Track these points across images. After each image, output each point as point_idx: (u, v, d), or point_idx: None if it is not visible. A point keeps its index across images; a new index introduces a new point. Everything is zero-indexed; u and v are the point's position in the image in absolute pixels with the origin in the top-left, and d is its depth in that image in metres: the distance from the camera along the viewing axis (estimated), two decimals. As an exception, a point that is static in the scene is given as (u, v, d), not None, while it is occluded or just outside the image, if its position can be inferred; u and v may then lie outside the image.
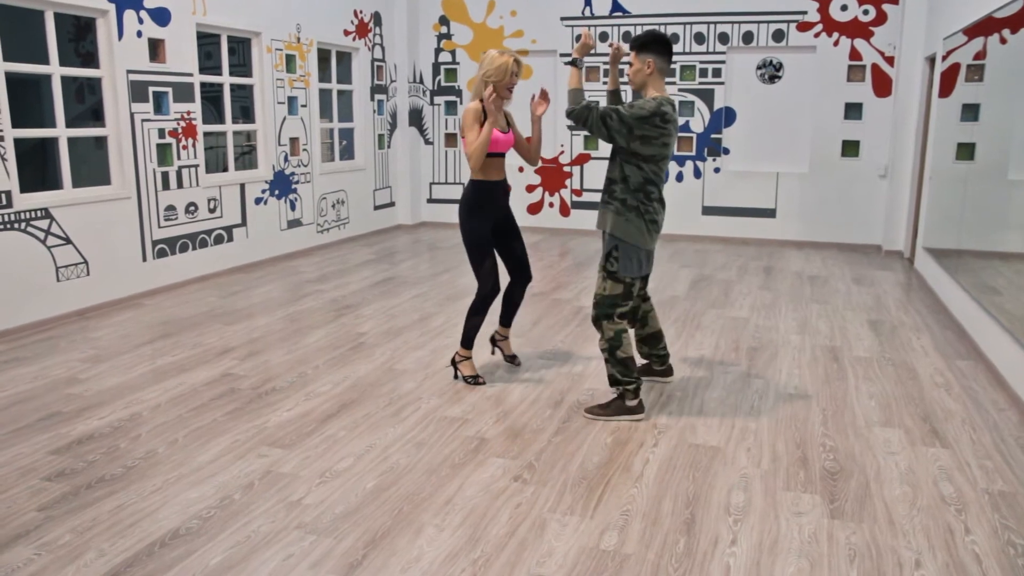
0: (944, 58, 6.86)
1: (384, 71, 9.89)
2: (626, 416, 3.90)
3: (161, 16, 6.42)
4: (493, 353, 4.77)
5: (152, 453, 3.52)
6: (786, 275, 7.47)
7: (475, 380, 4.39)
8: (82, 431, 3.75)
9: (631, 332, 4.24)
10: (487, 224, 4.22)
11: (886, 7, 8.53)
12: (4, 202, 5.25)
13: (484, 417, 3.94)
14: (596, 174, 9.83)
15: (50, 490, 3.17)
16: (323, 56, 8.83)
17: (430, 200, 10.69)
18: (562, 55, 9.62)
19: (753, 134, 9.27)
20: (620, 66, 4.04)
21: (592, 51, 3.98)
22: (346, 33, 9.01)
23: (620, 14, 9.39)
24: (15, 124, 5.43)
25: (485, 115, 4.09)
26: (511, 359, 4.72)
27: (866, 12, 8.60)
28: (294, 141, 8.22)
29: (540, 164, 9.99)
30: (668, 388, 4.37)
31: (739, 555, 2.73)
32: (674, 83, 9.34)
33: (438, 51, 10.24)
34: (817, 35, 8.79)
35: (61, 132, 5.75)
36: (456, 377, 4.46)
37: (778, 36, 8.93)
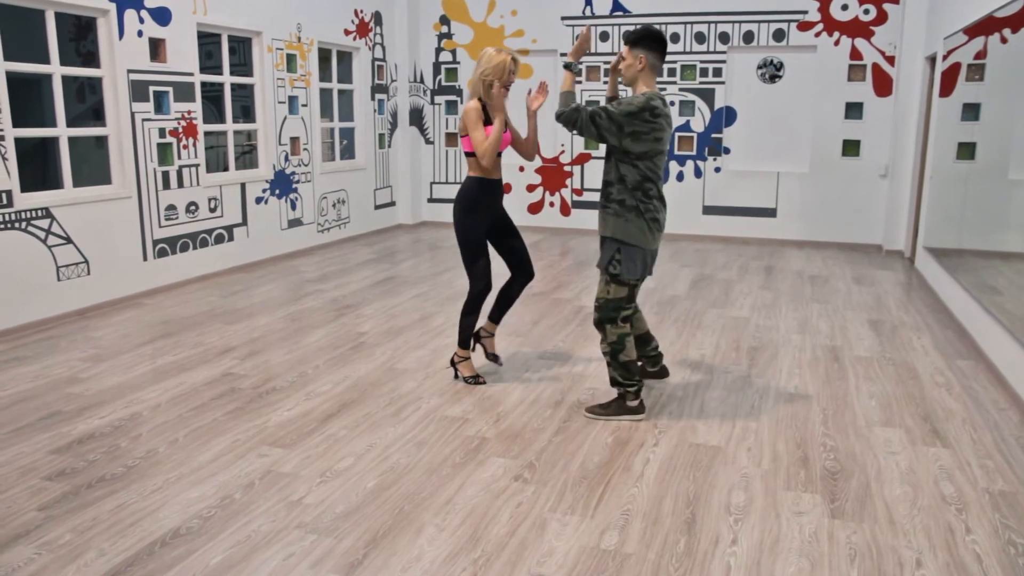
0: (945, 57, 6.86)
1: (385, 70, 9.89)
2: (627, 416, 3.90)
3: (162, 16, 6.42)
4: (473, 349, 4.49)
5: (152, 452, 3.52)
6: (787, 275, 7.47)
7: (475, 380, 4.39)
8: (82, 430, 3.75)
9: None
10: (484, 223, 4.22)
11: (887, 6, 8.53)
12: (5, 201, 5.25)
13: (484, 417, 3.94)
14: (596, 174, 9.82)
15: (50, 489, 3.17)
16: (324, 55, 8.83)
17: (431, 200, 10.69)
18: (562, 54, 9.61)
19: (754, 134, 9.26)
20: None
21: (588, 52, 3.96)
22: (347, 32, 9.01)
23: (620, 13, 9.39)
24: (16, 123, 5.43)
25: (486, 113, 4.09)
26: (493, 358, 4.58)
27: (867, 11, 8.60)
28: (295, 140, 8.23)
29: (539, 162, 10.00)
30: (669, 388, 4.37)
31: (740, 555, 2.73)
32: (675, 83, 9.34)
33: (439, 50, 10.24)
34: (818, 35, 8.78)
35: (62, 131, 5.75)
36: (456, 377, 4.45)
37: (779, 36, 8.93)
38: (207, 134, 7.47)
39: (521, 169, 10.01)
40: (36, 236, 5.49)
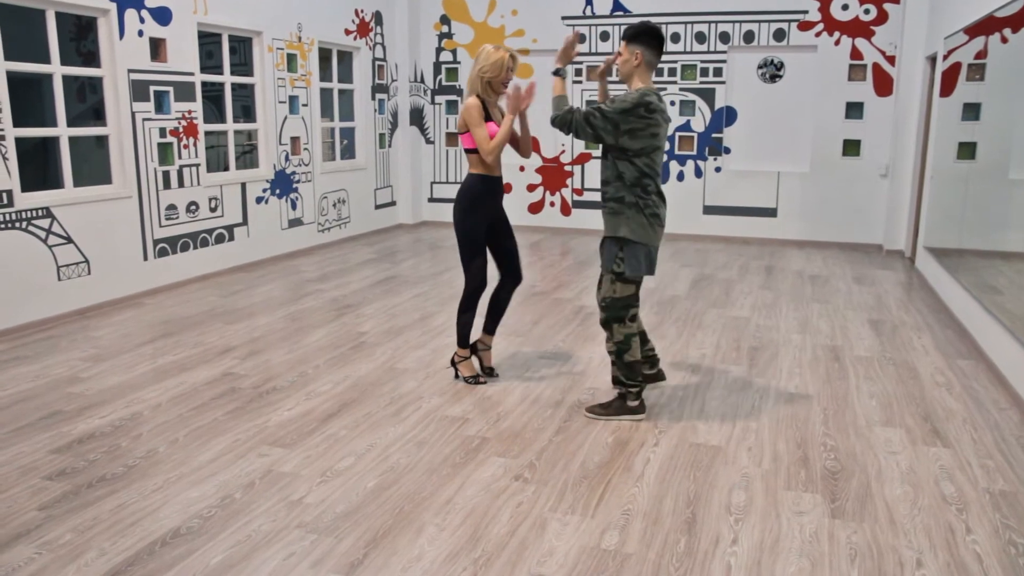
0: (945, 57, 6.86)
1: (385, 70, 9.89)
2: (627, 416, 3.90)
3: (162, 15, 6.42)
4: (468, 358, 4.42)
5: (153, 452, 3.52)
6: (787, 274, 7.47)
7: (475, 380, 4.39)
8: (83, 430, 3.75)
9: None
10: (485, 220, 4.22)
11: (887, 6, 8.53)
12: (5, 201, 5.25)
13: (485, 416, 3.94)
14: (597, 173, 9.82)
15: (51, 489, 3.17)
16: (324, 55, 8.84)
17: (431, 199, 10.69)
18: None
19: (754, 133, 9.26)
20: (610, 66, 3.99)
21: (575, 57, 3.95)
22: (347, 32, 9.01)
23: (621, 13, 9.38)
24: (16, 123, 5.43)
25: (486, 109, 4.09)
26: (489, 371, 4.49)
27: (867, 11, 8.60)
28: (295, 140, 8.23)
29: (539, 162, 10.00)
30: (669, 388, 4.37)
31: (740, 554, 2.73)
32: (675, 82, 9.34)
33: (439, 50, 10.24)
34: (818, 34, 8.78)
35: (62, 131, 5.75)
36: (456, 377, 4.45)
37: (779, 35, 8.92)
38: (208, 134, 7.48)
39: (522, 169, 10.01)
40: (37, 236, 5.49)
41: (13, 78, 5.45)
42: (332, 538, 2.81)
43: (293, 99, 8.14)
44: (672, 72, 9.33)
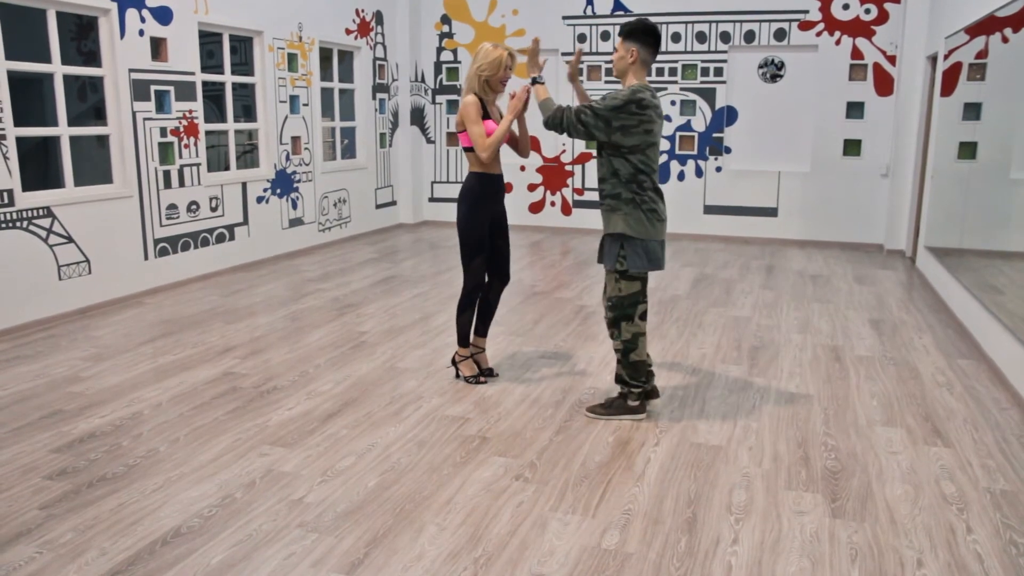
0: (946, 57, 6.85)
1: (386, 70, 9.90)
2: (628, 416, 3.89)
3: (163, 15, 6.42)
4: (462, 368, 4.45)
5: (153, 452, 3.52)
6: (788, 274, 7.47)
7: (476, 379, 4.39)
8: (84, 429, 3.75)
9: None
10: (487, 219, 4.22)
11: (888, 6, 8.52)
12: (6, 201, 5.25)
13: (485, 416, 3.94)
14: (596, 172, 9.81)
15: (52, 488, 3.17)
16: (325, 55, 8.84)
17: (432, 199, 10.69)
18: (563, 54, 9.62)
19: (755, 133, 9.26)
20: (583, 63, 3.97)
21: (542, 64, 3.94)
22: (348, 32, 9.01)
23: (622, 13, 9.38)
24: (17, 123, 5.43)
25: (484, 107, 4.09)
26: (487, 372, 4.49)
27: (868, 11, 8.59)
28: (296, 140, 8.23)
29: (540, 162, 10.00)
30: (670, 388, 4.36)
31: (741, 554, 2.73)
32: (676, 82, 9.34)
33: (440, 50, 10.24)
34: (819, 34, 8.78)
35: (63, 131, 5.75)
36: (457, 377, 4.45)
37: (780, 35, 8.92)
38: (208, 133, 7.48)
39: (522, 168, 10.01)
40: (37, 235, 5.49)
41: (14, 77, 5.45)
42: (333, 537, 2.81)
43: (294, 99, 8.14)
44: (673, 72, 9.33)
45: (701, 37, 9.18)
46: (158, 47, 6.42)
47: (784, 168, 9.20)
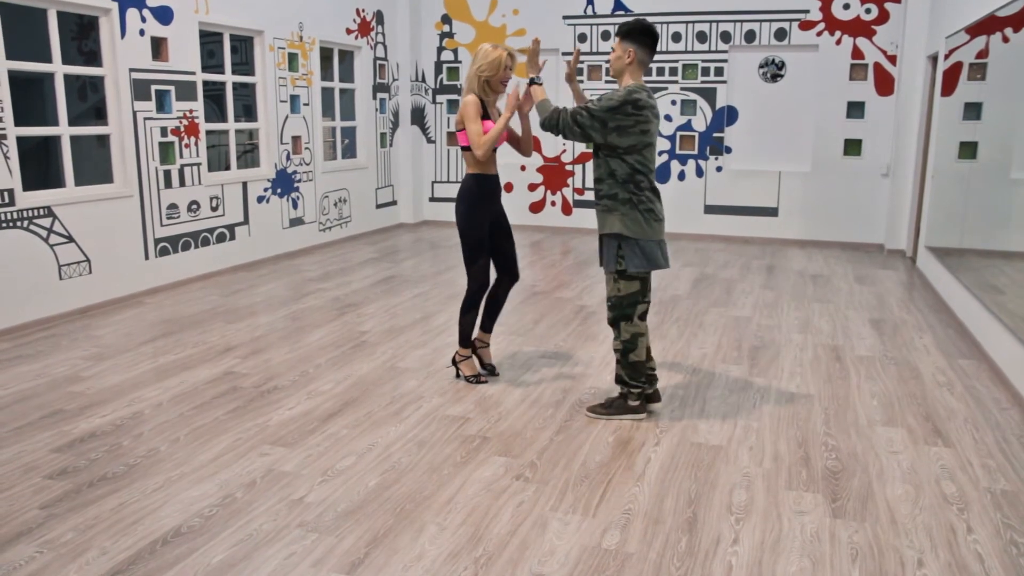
0: (946, 57, 6.85)
1: (386, 69, 9.90)
2: (628, 415, 3.89)
3: (164, 15, 6.42)
4: (469, 357, 4.47)
5: (154, 451, 3.52)
6: (788, 274, 7.47)
7: (476, 379, 4.39)
8: (84, 429, 3.76)
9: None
10: (487, 219, 4.23)
11: (888, 6, 8.52)
12: (7, 200, 5.25)
13: (486, 416, 3.94)
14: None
15: (52, 488, 3.17)
16: (325, 55, 8.84)
17: (432, 199, 10.69)
18: (564, 54, 9.61)
19: (755, 133, 9.26)
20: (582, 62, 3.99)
21: (542, 64, 3.95)
22: (348, 32, 9.01)
23: (622, 12, 9.38)
24: (18, 122, 5.44)
25: (484, 107, 4.09)
26: (489, 368, 4.50)
27: (868, 11, 8.59)
28: (296, 139, 8.23)
29: (540, 161, 10.00)
30: (670, 387, 4.37)
31: (741, 554, 2.73)
32: (676, 82, 9.34)
33: (440, 49, 10.24)
34: (819, 34, 8.78)
35: (64, 130, 5.75)
36: (458, 376, 4.45)
37: (780, 35, 8.92)
38: (209, 133, 7.48)
39: (523, 168, 10.01)
40: (38, 235, 5.49)
41: (15, 77, 5.45)
42: (333, 537, 2.81)
43: (294, 98, 8.14)
44: (673, 71, 9.33)
45: (702, 37, 9.18)
46: (159, 47, 6.42)
47: (785, 168, 9.20)
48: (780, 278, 7.27)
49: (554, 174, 10.06)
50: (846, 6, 8.64)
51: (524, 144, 4.31)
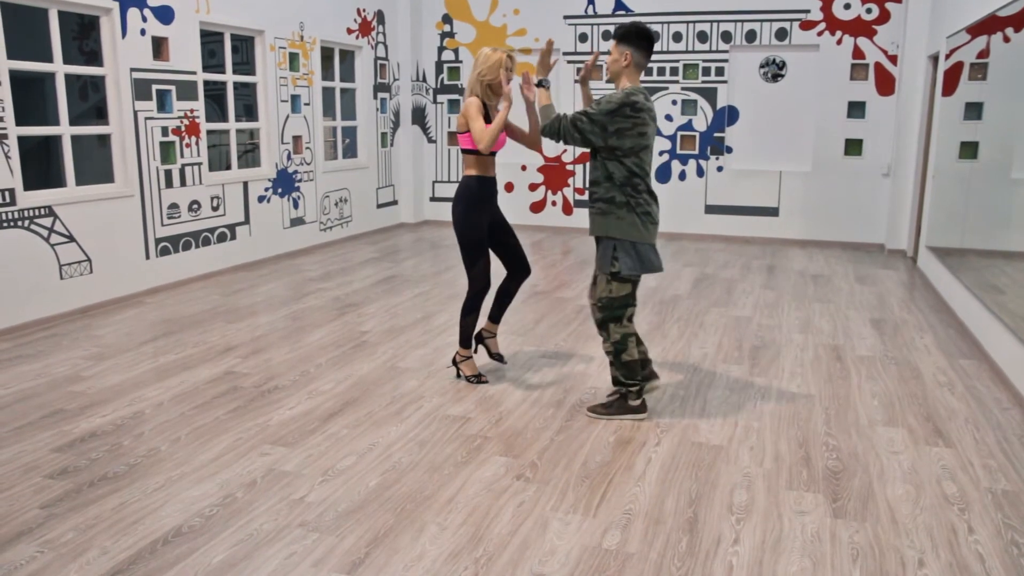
0: (947, 56, 6.85)
1: (387, 69, 9.90)
2: (629, 415, 3.89)
3: (165, 14, 6.42)
4: (475, 351, 4.49)
5: (155, 451, 3.52)
6: (789, 274, 7.46)
7: (477, 379, 4.39)
8: (85, 429, 3.76)
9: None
10: (485, 221, 4.23)
11: (889, 5, 8.52)
12: (8, 200, 5.26)
13: (486, 416, 3.94)
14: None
15: (53, 488, 3.18)
16: (326, 54, 8.84)
17: (433, 199, 10.69)
18: (565, 54, 9.62)
19: (756, 133, 9.25)
20: (599, 62, 3.97)
21: (555, 62, 3.95)
22: (349, 31, 9.01)
23: (623, 12, 9.38)
24: (19, 122, 5.44)
25: (486, 109, 4.10)
26: (497, 357, 4.58)
27: (869, 11, 8.59)
28: (297, 139, 8.23)
29: (541, 161, 10.00)
30: (671, 387, 4.37)
31: (742, 554, 2.73)
32: (677, 81, 9.34)
33: (441, 49, 10.24)
34: (820, 34, 8.77)
35: (65, 130, 5.76)
36: (458, 376, 4.45)
37: (781, 35, 8.92)
38: (209, 133, 7.48)
39: (523, 168, 10.01)
40: (39, 234, 5.50)
41: (15, 77, 5.45)
42: (334, 537, 2.81)
43: (295, 98, 8.14)
44: (674, 71, 9.33)
45: (702, 37, 9.17)
46: (159, 46, 6.43)
47: (785, 168, 9.20)
48: (781, 278, 7.27)
49: (555, 174, 10.06)
50: (847, 6, 8.64)
51: (532, 135, 4.31)
